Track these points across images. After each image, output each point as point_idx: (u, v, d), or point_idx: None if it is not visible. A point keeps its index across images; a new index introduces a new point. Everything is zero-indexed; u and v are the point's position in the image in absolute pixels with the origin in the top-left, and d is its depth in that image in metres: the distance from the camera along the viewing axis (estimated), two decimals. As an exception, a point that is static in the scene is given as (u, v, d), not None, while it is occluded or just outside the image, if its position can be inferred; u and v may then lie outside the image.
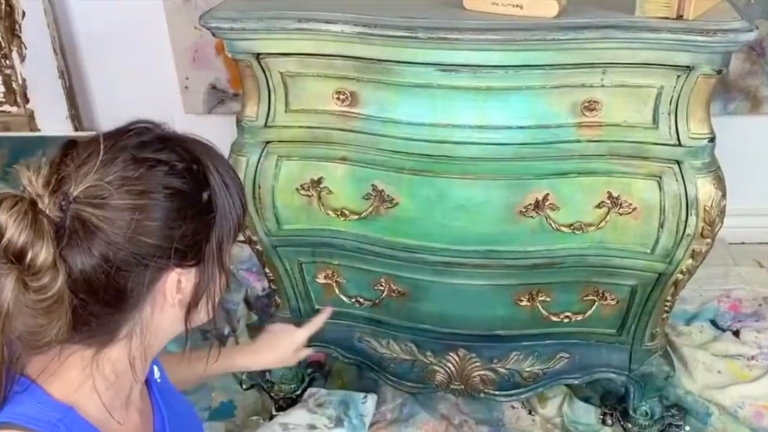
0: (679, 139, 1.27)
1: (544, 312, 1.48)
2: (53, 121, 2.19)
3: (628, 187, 1.31)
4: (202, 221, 0.82)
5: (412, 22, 1.21)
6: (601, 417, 1.69)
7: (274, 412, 1.71)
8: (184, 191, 0.79)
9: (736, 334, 1.89)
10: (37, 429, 0.77)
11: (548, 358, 1.59)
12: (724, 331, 1.91)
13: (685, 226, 1.31)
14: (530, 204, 1.33)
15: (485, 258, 1.40)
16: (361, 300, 1.57)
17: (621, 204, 1.32)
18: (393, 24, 1.21)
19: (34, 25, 2.08)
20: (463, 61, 1.23)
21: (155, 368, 1.03)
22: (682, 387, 1.72)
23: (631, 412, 1.62)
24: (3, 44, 2.11)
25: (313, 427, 1.54)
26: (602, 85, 1.24)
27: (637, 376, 1.58)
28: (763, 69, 2.03)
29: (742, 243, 2.23)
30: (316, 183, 1.40)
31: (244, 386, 1.79)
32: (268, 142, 1.39)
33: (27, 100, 2.19)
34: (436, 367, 1.61)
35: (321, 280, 1.57)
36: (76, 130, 2.22)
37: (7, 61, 2.14)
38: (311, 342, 1.51)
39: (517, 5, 1.22)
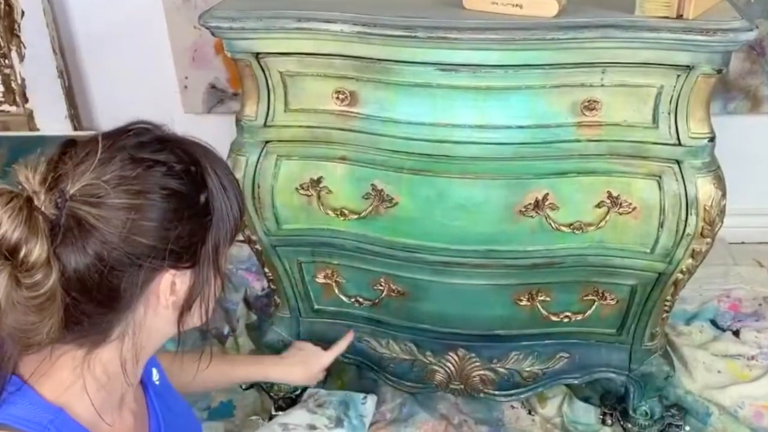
0: (679, 138, 1.26)
1: (543, 312, 1.48)
2: (52, 120, 2.19)
3: (628, 186, 1.31)
4: (199, 223, 0.81)
5: (412, 21, 1.21)
6: (601, 417, 1.69)
7: (273, 412, 1.71)
8: (181, 192, 0.79)
9: (736, 333, 1.89)
10: (28, 430, 0.77)
11: (548, 357, 1.59)
12: (724, 330, 1.91)
13: (685, 226, 1.31)
14: (530, 204, 1.33)
15: (485, 258, 1.39)
16: (361, 300, 1.57)
17: (621, 204, 1.32)
18: (392, 23, 1.21)
19: (33, 25, 2.08)
20: (463, 61, 1.22)
21: (154, 371, 1.03)
22: (682, 387, 1.72)
23: (630, 412, 1.62)
24: (2, 44, 2.11)
25: (312, 427, 1.54)
26: (602, 85, 1.24)
27: (637, 376, 1.58)
28: (763, 68, 2.03)
29: (742, 243, 2.23)
30: (316, 182, 1.39)
31: (243, 386, 1.79)
32: (267, 142, 1.39)
33: (26, 100, 2.19)
34: (436, 367, 1.61)
35: (320, 279, 1.57)
36: (76, 129, 2.22)
37: (6, 61, 2.14)
38: (310, 342, 1.53)
39: (516, 5, 1.22)
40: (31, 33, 2.09)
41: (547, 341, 1.57)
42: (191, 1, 2.02)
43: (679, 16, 1.18)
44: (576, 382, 1.63)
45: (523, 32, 1.18)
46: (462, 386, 1.62)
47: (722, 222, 1.32)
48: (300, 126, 1.36)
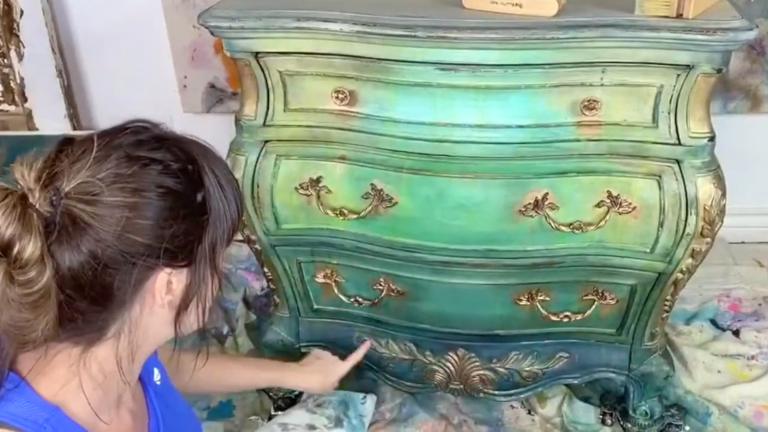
0: (678, 138, 1.26)
1: (543, 311, 1.48)
2: (51, 120, 2.19)
3: (628, 186, 1.31)
4: (195, 222, 0.81)
5: (411, 20, 1.21)
6: (601, 417, 1.69)
7: (273, 412, 1.70)
8: (177, 191, 0.79)
9: (736, 333, 1.89)
10: (24, 429, 0.77)
11: (548, 357, 1.58)
12: (724, 330, 1.91)
13: (685, 226, 1.30)
14: (530, 203, 1.33)
15: (484, 257, 1.39)
16: (360, 299, 1.57)
17: (620, 203, 1.31)
18: (392, 23, 1.21)
19: (32, 24, 2.08)
20: (463, 60, 1.22)
21: (155, 371, 1.02)
22: (681, 387, 1.72)
23: (630, 411, 1.62)
24: (1, 43, 2.10)
25: (312, 427, 1.54)
26: (602, 84, 1.24)
27: (637, 376, 1.58)
28: (763, 68, 2.03)
29: (742, 242, 2.22)
30: (315, 182, 1.39)
31: (242, 386, 1.79)
32: (266, 141, 1.39)
33: (25, 99, 2.19)
34: (436, 367, 1.61)
35: (320, 279, 1.57)
36: (75, 129, 2.22)
37: (5, 60, 2.13)
38: (310, 342, 1.52)
39: (516, 4, 1.22)
40: (30, 32, 2.09)
41: (546, 341, 1.57)
42: (190, 0, 2.02)
43: (679, 16, 1.17)
44: (576, 381, 1.63)
45: (523, 32, 1.18)
46: (462, 386, 1.62)
47: (722, 222, 1.32)
48: (299, 125, 1.36)
